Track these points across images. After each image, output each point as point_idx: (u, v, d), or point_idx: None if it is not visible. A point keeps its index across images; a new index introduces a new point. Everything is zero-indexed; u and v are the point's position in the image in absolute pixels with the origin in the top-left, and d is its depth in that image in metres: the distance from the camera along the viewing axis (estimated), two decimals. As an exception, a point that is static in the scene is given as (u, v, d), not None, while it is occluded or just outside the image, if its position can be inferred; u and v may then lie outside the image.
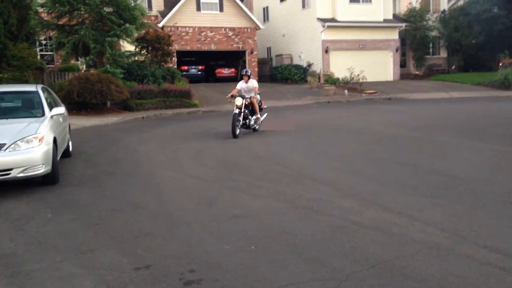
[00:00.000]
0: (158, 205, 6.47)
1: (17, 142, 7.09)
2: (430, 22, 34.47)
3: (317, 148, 10.53)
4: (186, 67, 31.49)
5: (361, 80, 27.28)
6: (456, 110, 18.37)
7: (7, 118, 7.94)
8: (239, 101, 12.07)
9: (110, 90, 19.67)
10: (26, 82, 19.53)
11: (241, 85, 12.98)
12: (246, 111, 12.42)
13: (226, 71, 33.05)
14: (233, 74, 32.59)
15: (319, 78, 30.16)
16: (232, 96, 12.62)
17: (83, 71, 26.12)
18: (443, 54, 36.44)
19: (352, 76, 27.45)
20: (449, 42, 35.01)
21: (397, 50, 33.00)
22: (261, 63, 34.94)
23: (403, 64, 34.66)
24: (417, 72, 34.67)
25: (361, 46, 32.15)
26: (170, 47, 25.02)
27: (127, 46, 24.88)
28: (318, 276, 3.96)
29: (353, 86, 27.46)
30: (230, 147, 10.83)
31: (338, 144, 10.94)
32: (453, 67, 35.08)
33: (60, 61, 26.97)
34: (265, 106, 13.92)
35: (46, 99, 8.70)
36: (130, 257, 4.67)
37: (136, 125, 16.83)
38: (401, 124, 14.20)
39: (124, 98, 20.60)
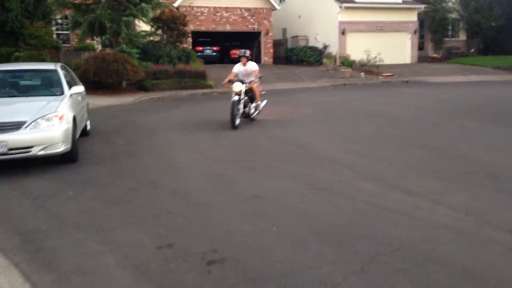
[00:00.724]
0: (177, 185, 6.47)
1: (38, 120, 7.12)
2: (450, 4, 33.76)
3: (334, 130, 10.45)
4: (200, 48, 31.32)
5: (378, 63, 26.90)
6: (475, 94, 18.07)
7: (27, 96, 7.98)
8: (238, 86, 10.55)
9: (126, 70, 19.63)
10: (43, 60, 19.61)
11: (238, 68, 11.35)
12: (246, 97, 10.93)
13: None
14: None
15: (335, 61, 29.82)
16: (229, 81, 11.07)
17: (98, 50, 26.17)
18: (462, 36, 35.74)
19: (369, 58, 27.08)
20: (468, 24, 34.30)
21: (415, 32, 32.43)
22: (277, 44, 34.60)
23: (421, 47, 34.09)
24: (435, 55, 34.08)
25: (379, 28, 31.62)
26: (186, 27, 24.87)
27: (143, 26, 24.79)
28: (342, 259, 3.94)
29: (369, 68, 27.11)
30: (247, 129, 10.77)
31: (355, 127, 10.84)
32: (472, 50, 34.42)
33: (75, 40, 27.02)
34: (264, 92, 12.23)
35: (65, 78, 8.71)
36: (152, 236, 4.69)
37: (152, 106, 16.84)
38: (420, 108, 14.01)
39: (140, 78, 20.56)
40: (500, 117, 11.95)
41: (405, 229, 4.51)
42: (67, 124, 7.49)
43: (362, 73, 26.29)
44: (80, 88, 8.57)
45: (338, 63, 29.63)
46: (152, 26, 24.10)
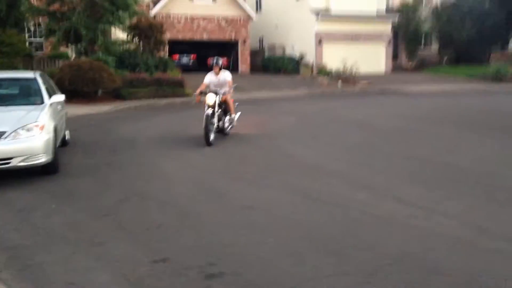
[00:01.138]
0: (166, 195, 6.33)
1: (18, 130, 6.87)
2: (423, 15, 34.47)
3: (320, 139, 10.45)
4: (177, 56, 31.13)
5: (354, 72, 27.19)
6: (452, 102, 18.40)
7: (5, 105, 7.69)
8: (211, 98, 9.49)
9: (102, 78, 19.30)
10: (15, 69, 19.12)
11: (210, 78, 10.19)
12: (220, 110, 9.88)
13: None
14: (225, 64, 32.27)
15: (312, 70, 30.04)
16: (201, 93, 9.95)
17: (72, 58, 25.69)
18: (435, 47, 36.48)
19: (346, 68, 27.34)
20: (441, 35, 35.05)
21: (389, 42, 32.96)
22: (254, 53, 34.66)
23: (395, 57, 34.64)
24: (409, 65, 34.69)
25: (354, 38, 32.03)
26: (163, 36, 24.67)
27: (118, 34, 24.47)
28: (342, 271, 3.88)
29: (346, 78, 27.36)
30: (227, 142, 10.67)
31: (340, 136, 10.86)
32: (445, 60, 35.16)
33: (49, 48, 26.50)
34: (237, 103, 11.07)
35: (44, 86, 8.45)
36: (145, 250, 4.54)
37: (130, 115, 16.56)
38: (399, 116, 14.17)
39: (116, 86, 20.24)
40: (479, 125, 12.17)
41: (403, 239, 4.49)
42: (48, 134, 7.25)
43: (339, 82, 26.52)
44: (60, 97, 8.34)
45: (315, 72, 29.85)
46: (128, 34, 23.83)
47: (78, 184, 7.02)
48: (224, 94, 10.03)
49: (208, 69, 10.14)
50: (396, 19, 33.01)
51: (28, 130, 6.95)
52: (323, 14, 30.79)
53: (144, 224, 5.24)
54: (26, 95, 8.19)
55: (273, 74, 31.23)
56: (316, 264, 4.01)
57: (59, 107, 8.80)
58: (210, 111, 9.46)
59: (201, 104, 10.00)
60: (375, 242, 4.44)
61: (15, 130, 6.84)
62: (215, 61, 10.33)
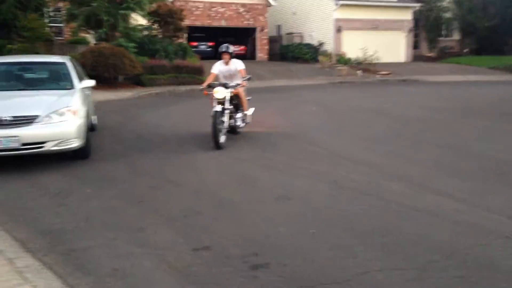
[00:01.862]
0: (198, 183, 6.30)
1: (51, 114, 6.89)
2: (444, 3, 33.87)
3: (345, 128, 10.35)
4: (195, 43, 31.01)
5: (374, 61, 26.87)
6: (476, 93, 18.10)
7: (36, 89, 7.71)
8: (220, 93, 8.10)
9: (123, 64, 19.32)
10: (36, 53, 19.21)
11: (219, 67, 8.80)
12: (231, 106, 8.54)
13: (235, 48, 32.51)
14: (243, 52, 32.11)
15: (330, 58, 29.75)
16: (209, 86, 8.45)
17: (91, 44, 25.73)
18: (456, 36, 35.87)
19: (366, 56, 27.02)
20: (462, 24, 34.42)
21: (410, 31, 32.48)
22: (271, 41, 34.40)
23: (415, 46, 34.15)
24: (430, 54, 34.19)
25: (374, 26, 31.58)
26: (182, 22, 24.57)
27: (138, 20, 24.42)
28: (393, 265, 3.81)
29: (366, 66, 27.06)
30: (250, 128, 10.60)
31: (365, 125, 10.74)
32: (466, 49, 34.60)
33: (69, 33, 26.56)
34: (250, 97, 9.42)
35: (75, 71, 8.45)
36: (185, 237, 4.52)
37: (151, 101, 16.59)
38: (423, 106, 13.97)
39: (137, 73, 20.27)
40: (507, 116, 11.94)
41: (450, 233, 4.40)
42: (80, 119, 7.27)
43: (359, 71, 26.24)
44: (90, 82, 8.34)
45: (333, 60, 29.56)
46: (148, 20, 23.77)
47: (110, 169, 7.04)
48: (235, 86, 8.57)
49: (218, 57, 8.88)
50: (417, 7, 32.47)
51: (61, 114, 6.96)
52: (343, 1, 30.38)
53: (181, 211, 5.22)
54: (56, 79, 8.20)
55: (291, 62, 30.99)
56: (364, 258, 3.94)
57: (87, 92, 8.81)
58: (219, 107, 8.08)
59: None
60: (422, 236, 4.36)
61: (48, 115, 6.85)
62: (224, 48, 8.78)
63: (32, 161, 7.12)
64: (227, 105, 8.28)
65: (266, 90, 19.23)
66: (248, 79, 8.89)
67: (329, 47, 31.22)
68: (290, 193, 5.74)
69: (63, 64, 8.41)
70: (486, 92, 18.58)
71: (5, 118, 6.59)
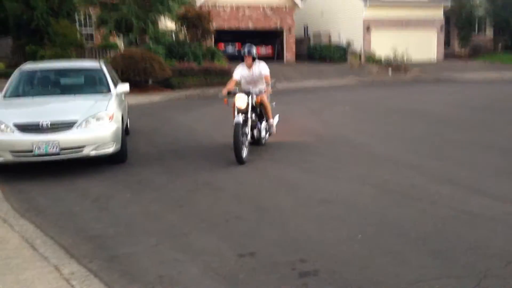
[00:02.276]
0: (236, 187, 6.21)
1: (88, 119, 6.90)
2: (477, 0, 33.06)
3: (383, 129, 10.10)
4: (223, 46, 31.08)
5: (405, 60, 26.39)
6: (512, 91, 17.54)
7: (73, 94, 7.76)
8: (242, 101, 7.24)
9: (153, 68, 19.44)
10: (68, 58, 19.52)
11: (240, 71, 7.88)
12: (253, 115, 7.67)
13: (262, 50, 32.45)
14: (270, 53, 32.08)
15: (360, 58, 29.37)
16: (229, 93, 7.56)
17: (121, 49, 26.04)
18: (489, 33, 34.96)
19: (396, 55, 26.55)
20: (495, 21, 33.53)
21: (441, 28, 31.79)
22: (298, 42, 34.20)
23: (447, 43, 33.42)
24: (461, 52, 33.40)
25: (404, 24, 31.05)
26: (210, 25, 24.63)
27: (167, 24, 24.59)
28: (450, 273, 3.63)
29: (396, 65, 26.58)
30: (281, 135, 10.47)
31: (404, 126, 10.47)
32: (500, 46, 33.67)
33: (99, 38, 26.96)
34: (274, 104, 8.48)
35: (110, 76, 8.49)
36: (229, 242, 4.43)
37: (182, 104, 16.62)
38: (461, 105, 13.58)
39: (166, 76, 20.39)
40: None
41: (507, 238, 4.19)
42: (117, 123, 7.28)
43: (390, 70, 25.81)
44: (125, 87, 8.35)
45: (363, 60, 29.17)
46: (177, 24, 23.92)
47: (147, 174, 7.00)
48: (259, 93, 7.69)
49: (240, 57, 7.98)
50: (449, 4, 31.76)
51: (98, 119, 6.98)
52: (372, 1, 29.96)
53: (222, 216, 5.13)
54: (92, 84, 8.24)
55: (319, 63, 30.73)
56: (419, 265, 3.77)
57: (122, 96, 8.83)
58: (241, 117, 7.16)
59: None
60: (478, 242, 4.16)
61: (86, 119, 6.87)
62: (246, 49, 7.79)
63: (70, 166, 7.15)
64: (249, 115, 7.38)
65: (296, 91, 19.08)
66: (273, 85, 7.94)
67: (357, 46, 30.83)
68: (332, 197, 5.59)
69: (98, 69, 8.45)
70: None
71: (44, 124, 6.63)
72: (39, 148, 6.54)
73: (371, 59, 28.62)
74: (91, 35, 28.71)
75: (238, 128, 7.03)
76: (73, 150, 6.73)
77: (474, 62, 29.38)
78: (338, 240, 4.35)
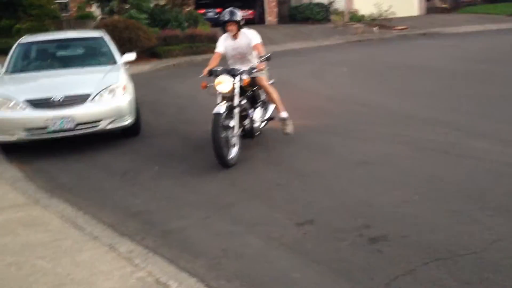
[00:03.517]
0: (267, 154, 6.01)
1: (102, 91, 6.59)
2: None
3: (392, 87, 9.94)
4: (203, 11, 30.28)
5: (390, 16, 26.13)
6: (507, 41, 17.49)
7: (80, 67, 7.38)
8: (225, 84, 5.51)
9: (138, 37, 18.83)
10: (46, 31, 18.74)
11: (224, 43, 6.16)
12: (244, 101, 5.88)
13: (243, 13, 31.77)
14: (251, 17, 31.39)
15: (343, 16, 28.98)
16: (210, 73, 5.81)
17: (99, 18, 25.12)
18: (469, -15, 34.83)
19: (380, 12, 26.26)
20: (475, -28, 33.40)
21: (422, -18, 31.49)
22: (279, 3, 33.51)
23: (428, -2, 33.17)
24: (444, 5, 33.26)
25: (385, -21, 30.62)
26: (192, -12, 23.87)
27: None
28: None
29: (381, 23, 26.32)
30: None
31: (412, 82, 10.31)
32: (480, -2, 33.61)
33: (74, 8, 25.96)
34: (273, 80, 6.59)
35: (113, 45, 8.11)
36: (280, 211, 4.30)
37: (173, 73, 16.22)
38: (460, 58, 13.45)
39: (152, 45, 19.79)
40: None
41: None
42: (130, 95, 7.00)
43: (375, 28, 25.55)
44: (131, 56, 7.98)
45: (346, 19, 28.81)
46: (156, -12, 23.10)
47: (166, 145, 6.79)
48: (250, 72, 5.80)
49: (221, 25, 6.25)
50: (429, -43, 31.39)
51: (112, 91, 6.69)
52: (353, -45, 29.38)
53: (262, 184, 5.00)
54: (98, 55, 7.87)
55: (302, 24, 30.20)
56: (492, 223, 3.68)
57: (127, 66, 8.47)
58: (223, 106, 5.45)
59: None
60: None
61: (99, 92, 6.57)
62: (227, 15, 5.95)
63: (83, 141, 6.86)
64: (236, 101, 5.61)
65: (284, 54, 18.68)
66: (268, 59, 5.90)
67: (339, 5, 30.35)
68: (369, 158, 5.48)
69: (101, 38, 8.06)
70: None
71: (57, 98, 6.31)
72: (53, 124, 6.24)
73: (355, 17, 28.27)
74: (65, 5, 27.64)
75: (218, 121, 5.30)
76: (89, 124, 6.45)
77: (458, 16, 29.29)
78: (394, 203, 4.25)
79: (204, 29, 23.30)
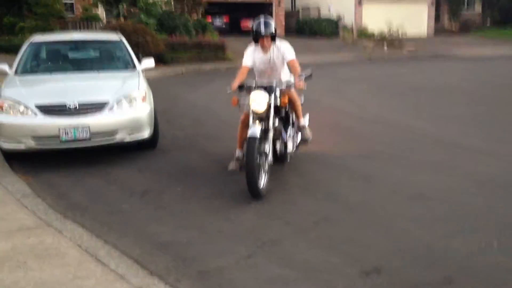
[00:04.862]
0: (302, 177, 5.43)
1: (121, 99, 5.98)
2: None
3: (422, 109, 9.34)
4: (210, 19, 29.82)
5: (400, 35, 25.76)
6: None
7: (97, 71, 6.76)
8: (260, 101, 4.83)
9: (146, 42, 18.26)
10: (51, 31, 18.14)
11: (253, 56, 5.33)
12: (276, 121, 5.12)
13: (251, 24, 31.38)
14: (259, 27, 30.98)
15: (352, 32, 28.62)
16: (241, 87, 5.13)
17: (104, 20, 24.57)
18: (478, 8, 34.66)
19: (390, 30, 25.89)
20: (484, -5, 33.26)
21: (432, 3, 31.27)
22: (287, 15, 33.16)
23: (437, 18, 32.96)
24: (451, 27, 33.04)
25: (396, -2, 30.40)
26: (201, -4, 23.42)
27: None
28: None
29: (390, 41, 25.94)
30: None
31: (440, 104, 9.79)
32: (488, 22, 33.43)
33: (80, 9, 25.42)
34: (303, 100, 5.80)
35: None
36: (337, 253, 3.69)
37: (182, 80, 15.63)
38: (487, 83, 12.91)
39: (160, 51, 19.21)
40: None
41: None
42: (150, 104, 6.40)
43: (385, 46, 25.15)
44: (150, 62, 7.39)
45: (355, 35, 28.45)
46: (166, -6, 22.60)
47: (187, 160, 6.21)
48: (287, 87, 5.15)
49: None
50: (440, -21, 31.23)
51: (130, 100, 6.08)
52: (365, -27, 29.15)
53: (306, 217, 4.38)
54: (115, 59, 7.25)
55: (310, 38, 29.84)
56: None
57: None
58: (258, 128, 4.71)
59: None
60: None
61: (117, 100, 5.96)
62: (262, 25, 5.11)
63: (95, 153, 6.22)
64: (271, 123, 4.91)
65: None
66: (309, 77, 5.19)
67: (348, 21, 30.04)
68: (424, 192, 4.87)
69: (119, 42, 7.45)
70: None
71: (71, 105, 5.69)
72: (66, 133, 5.62)
73: (364, 33, 27.92)
74: (71, 5, 27.10)
75: (254, 145, 4.57)
76: (106, 135, 5.83)
77: (466, 37, 29.00)
78: (471, 250, 3.65)
79: (212, 37, 22.83)
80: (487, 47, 24.89)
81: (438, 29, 32.26)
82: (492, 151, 6.21)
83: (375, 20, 28.03)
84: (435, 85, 12.60)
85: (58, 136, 5.60)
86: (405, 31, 26.80)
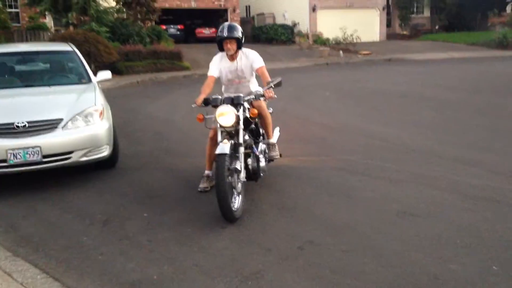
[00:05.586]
0: (276, 195, 5.06)
1: (75, 116, 5.45)
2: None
3: (391, 116, 9.20)
4: (164, 27, 29.16)
5: (355, 41, 26.06)
6: (475, 70, 17.48)
7: (49, 85, 6.16)
8: (228, 116, 4.47)
9: (98, 51, 17.54)
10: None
11: (219, 65, 5.08)
12: (246, 135, 4.84)
13: (206, 31, 30.97)
14: (214, 35, 30.59)
15: (308, 39, 28.71)
16: (205, 102, 4.73)
17: (52, 29, 23.53)
18: (427, 13, 35.65)
19: (345, 36, 26.14)
20: (432, 1, 34.20)
21: (384, 9, 31.89)
22: (242, 22, 32.92)
23: (388, 24, 33.63)
24: (404, 32, 33.77)
25: (348, 5, 30.78)
26: (155, 3, 22.77)
27: (105, 3, 22.39)
28: None
29: (345, 46, 26.19)
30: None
31: (408, 111, 9.70)
32: (437, 26, 34.42)
33: (26, 19, 24.24)
34: (271, 110, 5.42)
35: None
36: (326, 285, 3.31)
37: (138, 91, 15.01)
38: (450, 88, 12.86)
39: (114, 60, 18.48)
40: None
41: None
42: (108, 120, 5.88)
43: (341, 52, 25.33)
44: (106, 74, 6.85)
45: (310, 41, 28.54)
46: (118, 2, 21.82)
47: (151, 181, 5.70)
48: (256, 98, 4.77)
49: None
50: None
51: (86, 116, 5.54)
52: (318, -21, 29.35)
53: (289, 241, 3.99)
54: (68, 71, 6.70)
55: (265, 44, 29.68)
56: None
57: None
58: (226, 146, 4.32)
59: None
60: None
61: (72, 117, 5.42)
62: (225, 28, 4.84)
63: (45, 175, 5.64)
64: (241, 138, 4.57)
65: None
66: (279, 85, 4.77)
67: (303, 27, 30.16)
68: (409, 208, 4.58)
69: (71, 52, 6.87)
70: (482, 68, 18.02)
71: (20, 124, 5.11)
72: (15, 156, 5.03)
73: (319, 40, 28.06)
74: (16, 14, 25.87)
75: (223, 163, 4.19)
76: (59, 156, 5.27)
77: (418, 43, 29.68)
78: (471, 274, 3.37)
79: (167, 45, 22.31)
80: (437, 51, 25.51)
81: (390, 34, 32.92)
82: (470, 160, 6.03)
83: (330, 26, 28.25)
84: (397, 90, 12.60)
85: (5, 160, 5.01)
86: (359, 36, 27.16)
